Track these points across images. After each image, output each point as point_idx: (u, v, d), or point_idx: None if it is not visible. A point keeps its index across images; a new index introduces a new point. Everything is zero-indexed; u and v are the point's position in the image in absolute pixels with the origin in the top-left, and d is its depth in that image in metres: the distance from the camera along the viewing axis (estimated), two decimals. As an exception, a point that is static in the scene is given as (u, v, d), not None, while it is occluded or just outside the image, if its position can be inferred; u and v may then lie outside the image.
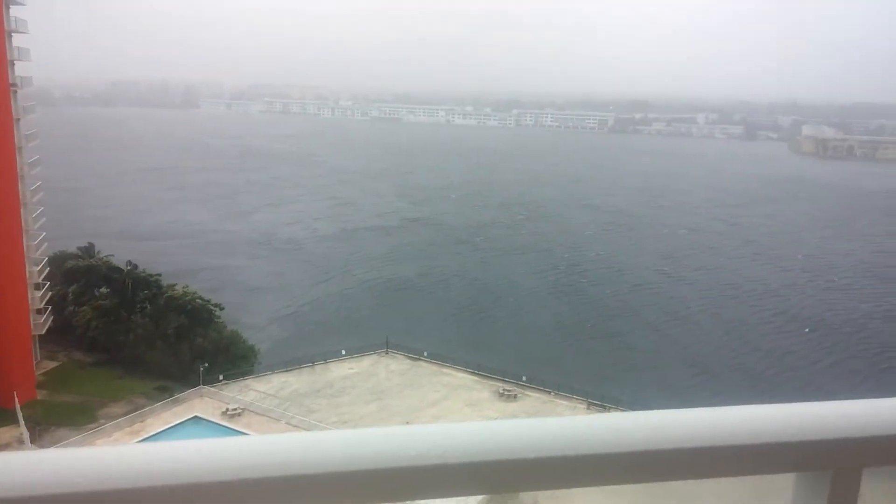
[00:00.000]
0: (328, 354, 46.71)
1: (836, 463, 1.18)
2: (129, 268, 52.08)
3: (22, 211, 44.79)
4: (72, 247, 55.68)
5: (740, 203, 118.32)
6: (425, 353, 47.00)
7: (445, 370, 45.47)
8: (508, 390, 42.72)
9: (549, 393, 43.09)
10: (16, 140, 44.48)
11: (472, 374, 45.08)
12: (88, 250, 55.07)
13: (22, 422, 35.99)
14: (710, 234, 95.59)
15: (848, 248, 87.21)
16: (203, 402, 39.90)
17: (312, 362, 45.52)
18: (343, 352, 47.44)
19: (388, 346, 47.90)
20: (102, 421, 38.37)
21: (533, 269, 75.12)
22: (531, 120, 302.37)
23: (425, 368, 45.77)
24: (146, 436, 35.43)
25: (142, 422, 37.54)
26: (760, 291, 68.92)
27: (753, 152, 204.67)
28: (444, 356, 46.80)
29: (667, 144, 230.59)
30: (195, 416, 38.38)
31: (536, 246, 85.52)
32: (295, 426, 37.28)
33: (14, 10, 44.98)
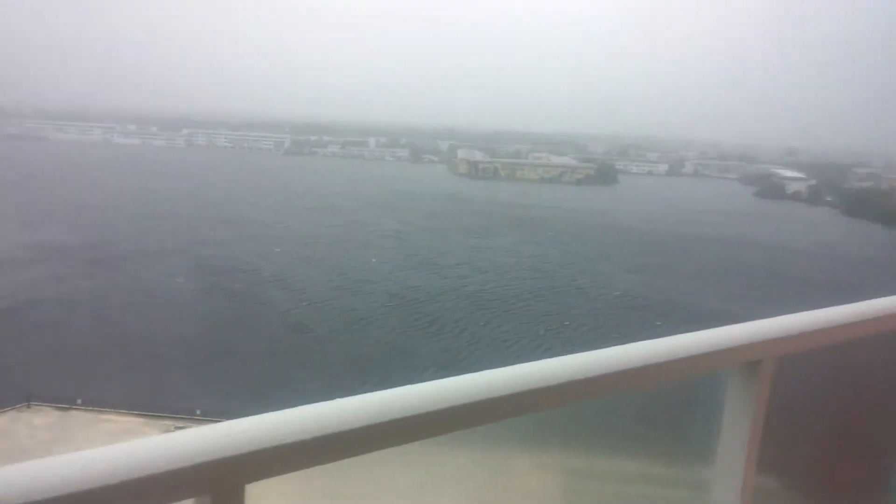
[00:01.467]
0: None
1: (759, 355, 1.89)
2: None
3: None
4: None
5: (405, 219, 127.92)
6: (79, 401, 41.23)
7: (105, 416, 40.45)
8: (181, 427, 39.62)
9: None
10: None
11: (140, 415, 40.83)
12: None
13: None
14: (379, 248, 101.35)
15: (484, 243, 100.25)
16: None
17: (-77, 431, 36.88)
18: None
19: (29, 398, 40.96)
20: None
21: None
22: (204, 140, 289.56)
23: (79, 418, 40.15)
24: None
25: None
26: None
27: (418, 173, 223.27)
28: (104, 401, 41.60)
29: (340, 166, 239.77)
30: None
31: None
32: None
33: None
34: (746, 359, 1.86)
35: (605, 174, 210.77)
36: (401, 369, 52.16)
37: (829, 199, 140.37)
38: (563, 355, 1.58)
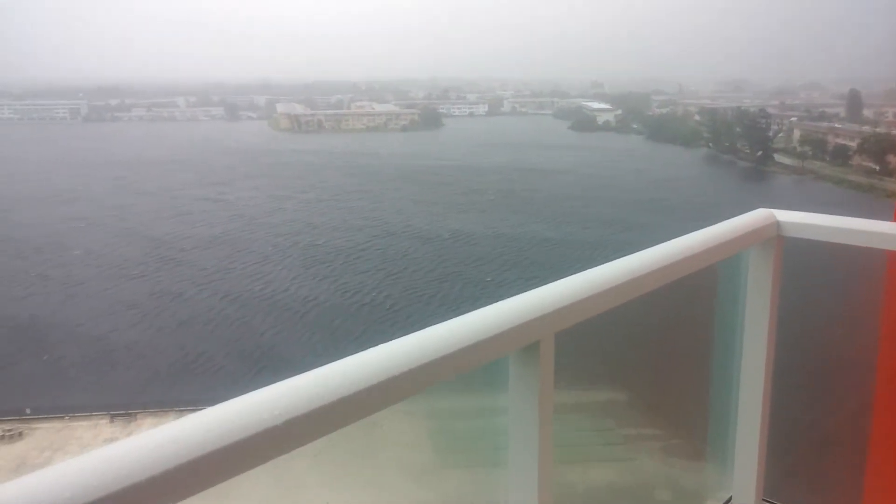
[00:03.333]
0: None
1: (537, 336, 1.76)
2: None
3: None
4: None
5: (224, 181, 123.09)
6: (29, 410, 36.76)
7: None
8: (9, 430, 36.62)
9: (63, 418, 38.50)
10: None
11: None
12: None
13: None
14: (201, 213, 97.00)
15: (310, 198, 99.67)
16: None
17: None
18: None
19: None
20: None
21: None
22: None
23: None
24: None
25: None
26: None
27: (237, 131, 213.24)
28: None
29: (150, 130, 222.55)
30: None
31: None
32: None
33: None
34: (524, 343, 1.77)
35: (429, 118, 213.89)
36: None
37: (634, 126, 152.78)
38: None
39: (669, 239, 2.51)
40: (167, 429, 1.10)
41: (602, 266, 2.08)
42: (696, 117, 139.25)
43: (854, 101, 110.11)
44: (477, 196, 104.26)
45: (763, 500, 3.26)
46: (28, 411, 38.61)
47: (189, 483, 1.06)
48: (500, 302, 1.74)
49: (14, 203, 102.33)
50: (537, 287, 1.92)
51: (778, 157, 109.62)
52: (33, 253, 76.67)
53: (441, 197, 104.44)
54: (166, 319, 57.66)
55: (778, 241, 2.98)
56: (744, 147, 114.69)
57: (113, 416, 38.62)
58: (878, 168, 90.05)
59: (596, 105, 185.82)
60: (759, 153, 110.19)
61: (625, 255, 2.25)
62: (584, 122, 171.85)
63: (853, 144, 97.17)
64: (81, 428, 37.63)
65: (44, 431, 37.27)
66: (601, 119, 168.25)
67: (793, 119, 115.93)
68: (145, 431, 1.10)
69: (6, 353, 50.97)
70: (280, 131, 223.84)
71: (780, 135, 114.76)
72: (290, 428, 1.21)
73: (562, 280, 1.94)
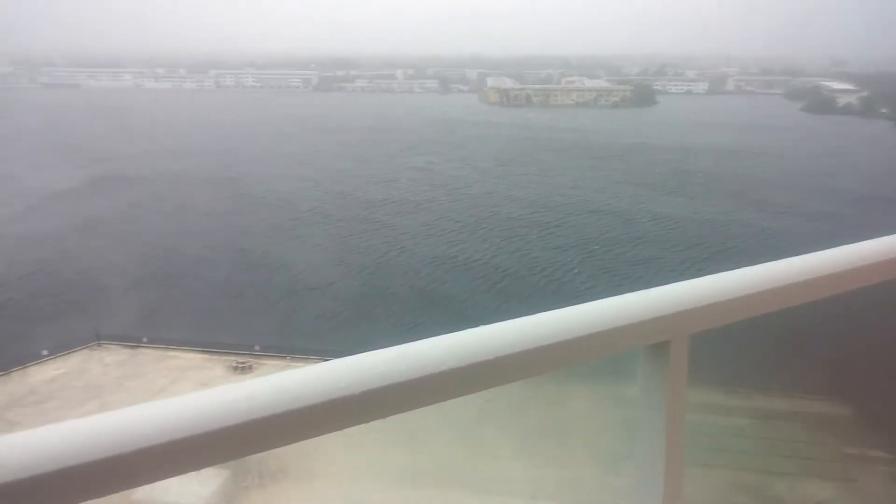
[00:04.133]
0: (26, 358, 40.66)
1: (668, 335, 1.65)
2: None
3: None
4: None
5: (432, 150, 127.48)
6: (145, 340, 43.35)
7: (172, 353, 42.53)
8: (242, 363, 41.52)
9: (285, 358, 42.76)
10: None
11: (203, 352, 42.85)
12: None
13: None
14: (409, 180, 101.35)
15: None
16: None
17: (7, 370, 39.31)
18: (45, 352, 41.66)
19: (99, 337, 43.18)
20: None
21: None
22: (232, 81, 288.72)
23: (148, 355, 42.29)
24: None
25: None
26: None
27: (447, 104, 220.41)
28: (169, 339, 43.68)
29: (370, 100, 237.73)
30: None
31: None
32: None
33: None
34: (653, 340, 1.66)
35: (642, 95, 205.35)
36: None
37: (884, 111, 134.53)
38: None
39: None
40: (247, 385, 1.13)
41: (759, 266, 1.87)
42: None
43: None
44: (686, 178, 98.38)
45: None
46: (257, 348, 43.57)
47: (256, 440, 1.09)
48: (638, 292, 1.69)
49: (251, 163, 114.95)
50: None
51: None
52: (265, 208, 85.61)
53: (647, 177, 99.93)
54: (366, 278, 61.40)
55: None
56: None
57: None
58: None
59: (837, 85, 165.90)
60: None
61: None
62: (819, 104, 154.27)
63: None
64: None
65: (268, 368, 41.87)
66: (842, 101, 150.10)
67: None
68: (227, 385, 1.11)
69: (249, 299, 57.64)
70: (488, 105, 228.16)
71: None
72: (399, 391, 1.25)
73: (705, 277, 1.80)
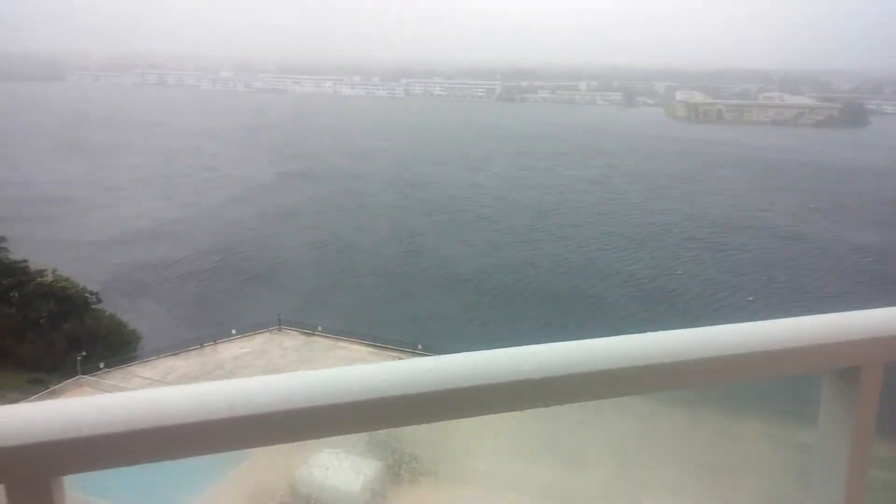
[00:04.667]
0: (217, 335, 45.33)
1: (859, 360, 1.46)
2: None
3: None
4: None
5: (608, 163, 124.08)
6: (320, 328, 46.56)
7: (342, 344, 45.29)
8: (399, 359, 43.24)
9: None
10: None
11: (370, 345, 45.16)
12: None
13: None
14: (582, 192, 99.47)
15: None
16: (82, 393, 37.72)
17: (201, 344, 44.03)
18: (234, 331, 46.18)
19: (280, 322, 47.04)
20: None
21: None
22: (420, 89, 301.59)
23: (320, 343, 45.38)
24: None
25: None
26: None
27: (632, 117, 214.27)
28: (340, 330, 46.58)
29: (551, 111, 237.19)
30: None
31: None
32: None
33: None
34: (840, 364, 1.48)
35: (851, 114, 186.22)
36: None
37: None
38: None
39: None
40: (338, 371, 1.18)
41: None
42: None
43: None
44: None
45: None
46: (420, 347, 45.09)
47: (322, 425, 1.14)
48: (822, 315, 1.54)
49: (428, 166, 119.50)
50: None
51: None
52: (437, 211, 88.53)
53: (846, 204, 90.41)
54: (543, 284, 61.14)
55: None
56: None
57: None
58: None
59: None
60: None
61: None
62: None
63: None
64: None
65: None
66: None
67: None
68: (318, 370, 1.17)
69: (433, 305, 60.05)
70: (675, 119, 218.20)
71: None
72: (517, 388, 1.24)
73: None
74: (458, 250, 71.51)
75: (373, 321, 50.28)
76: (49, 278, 47.46)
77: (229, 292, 59.83)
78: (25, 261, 49.26)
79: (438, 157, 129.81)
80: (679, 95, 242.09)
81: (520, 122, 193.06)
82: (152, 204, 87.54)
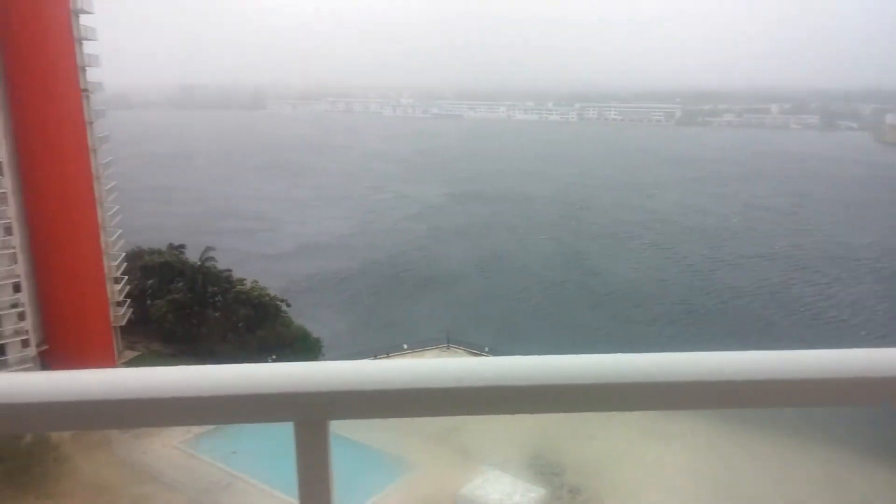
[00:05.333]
0: (390, 348, 47.35)
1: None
2: (200, 263, 54.15)
3: (98, 209, 46.99)
4: (153, 242, 58.48)
5: (800, 192, 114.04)
6: (487, 349, 47.04)
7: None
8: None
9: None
10: (89, 142, 46.71)
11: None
12: (175, 248, 57.40)
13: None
14: (767, 222, 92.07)
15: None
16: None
17: (374, 355, 46.19)
18: (405, 346, 48.01)
19: (448, 340, 48.19)
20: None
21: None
22: (594, 114, 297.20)
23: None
24: (215, 425, 36.77)
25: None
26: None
27: (832, 142, 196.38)
28: (505, 350, 46.76)
29: (736, 136, 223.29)
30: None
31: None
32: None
33: (83, 19, 47.19)
34: None
35: None
36: None
37: None
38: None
39: None
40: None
41: None
42: None
43: None
44: None
45: None
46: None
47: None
48: None
49: (595, 190, 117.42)
50: None
51: None
52: (605, 235, 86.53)
53: None
54: (722, 316, 57.71)
55: None
56: None
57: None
58: None
59: None
60: None
61: None
62: None
63: None
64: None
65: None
66: None
67: None
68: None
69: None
70: (885, 144, 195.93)
71: None
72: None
73: None
74: (626, 276, 69.40)
75: (543, 345, 49.93)
76: (247, 287, 52.34)
77: (400, 305, 62.52)
78: (230, 270, 54.74)
79: (610, 181, 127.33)
80: (890, 119, 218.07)
81: (700, 147, 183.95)
82: (334, 221, 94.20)
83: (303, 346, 48.64)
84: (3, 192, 43.32)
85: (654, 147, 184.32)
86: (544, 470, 33.84)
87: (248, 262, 66.73)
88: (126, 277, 50.35)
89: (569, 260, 75.47)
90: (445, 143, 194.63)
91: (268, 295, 52.18)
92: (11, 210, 43.67)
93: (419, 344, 48.21)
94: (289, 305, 52.65)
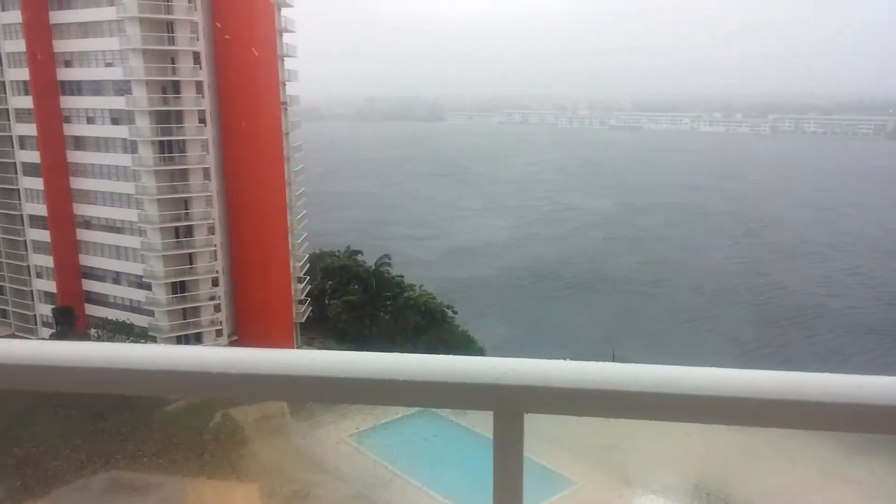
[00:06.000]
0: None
1: None
2: (375, 267, 56.99)
3: (288, 213, 51.10)
4: (329, 245, 62.60)
5: None
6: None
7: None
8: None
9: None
10: (284, 151, 50.97)
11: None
12: (352, 253, 61.09)
13: (284, 397, 40.98)
14: None
15: None
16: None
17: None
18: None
19: (613, 359, 46.71)
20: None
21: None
22: (790, 126, 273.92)
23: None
24: (381, 422, 38.31)
25: (380, 408, 40.49)
26: None
27: None
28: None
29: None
30: (425, 408, 40.58)
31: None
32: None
33: (286, 37, 51.68)
34: None
35: None
36: None
37: None
38: None
39: None
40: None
41: None
42: None
43: None
44: None
45: None
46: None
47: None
48: None
49: (785, 209, 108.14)
50: None
51: None
52: (794, 257, 79.52)
53: None
54: None
55: None
56: None
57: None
58: None
59: None
60: None
61: None
62: None
63: None
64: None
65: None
66: None
67: None
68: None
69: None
70: None
71: None
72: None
73: None
74: (814, 299, 63.29)
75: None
76: (416, 293, 54.25)
77: (563, 315, 61.72)
78: (401, 276, 57.11)
79: (798, 198, 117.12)
80: None
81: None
82: (500, 231, 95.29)
83: (466, 353, 49.27)
84: (209, 195, 48.47)
85: (857, 164, 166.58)
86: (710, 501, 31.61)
87: (412, 266, 69.29)
88: (308, 278, 54.21)
89: (746, 278, 70.57)
90: (620, 154, 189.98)
91: (435, 301, 53.68)
92: (215, 211, 48.73)
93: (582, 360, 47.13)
94: (455, 312, 53.81)
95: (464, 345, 50.40)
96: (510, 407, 1.35)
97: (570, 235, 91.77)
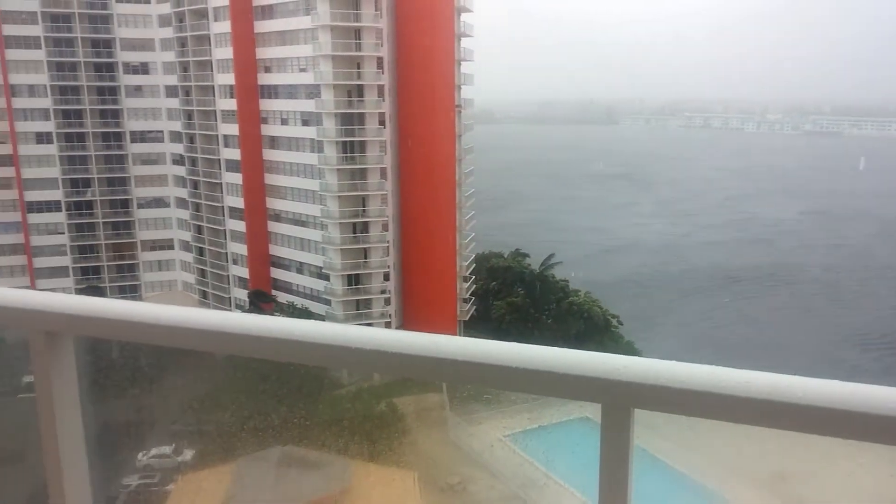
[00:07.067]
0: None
1: None
2: (539, 270, 56.72)
3: (457, 213, 52.33)
4: (493, 244, 63.20)
5: None
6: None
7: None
8: None
9: None
10: (457, 153, 52.25)
11: None
12: (519, 255, 61.39)
13: (445, 391, 42.10)
14: None
15: None
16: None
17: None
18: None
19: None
20: (507, 403, 42.35)
21: None
22: None
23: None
24: (538, 425, 38.13)
25: (538, 410, 40.33)
26: None
27: None
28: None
29: None
30: (585, 416, 39.72)
31: None
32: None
33: (464, 41, 52.89)
34: None
35: None
36: None
37: None
38: None
39: None
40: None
41: None
42: None
43: None
44: None
45: None
46: None
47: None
48: None
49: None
50: None
51: None
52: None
53: None
54: None
55: None
56: None
57: None
58: None
59: None
60: None
61: None
62: None
63: None
64: None
65: None
66: None
67: None
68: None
69: None
70: None
71: None
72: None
73: None
74: None
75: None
76: (580, 298, 53.23)
77: (735, 329, 57.79)
78: (566, 280, 56.37)
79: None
80: None
81: None
82: (670, 237, 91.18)
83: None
84: (385, 194, 50.92)
85: None
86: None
87: (571, 269, 68.10)
88: (473, 277, 55.15)
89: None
90: (809, 161, 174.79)
91: (599, 308, 52.36)
92: (389, 209, 51.11)
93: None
94: (620, 323, 52.14)
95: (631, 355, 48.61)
96: (618, 401, 1.38)
97: (747, 244, 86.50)
